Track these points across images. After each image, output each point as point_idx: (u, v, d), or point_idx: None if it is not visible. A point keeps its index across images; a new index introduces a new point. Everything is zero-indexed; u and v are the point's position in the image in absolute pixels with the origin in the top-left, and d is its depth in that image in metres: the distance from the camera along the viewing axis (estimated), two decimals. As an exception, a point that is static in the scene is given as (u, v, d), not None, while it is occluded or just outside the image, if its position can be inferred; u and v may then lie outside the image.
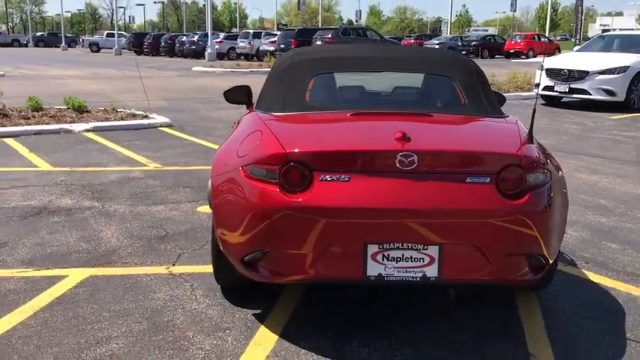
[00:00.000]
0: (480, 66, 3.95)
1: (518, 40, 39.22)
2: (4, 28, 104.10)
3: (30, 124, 9.00)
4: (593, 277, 3.94)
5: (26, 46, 65.85)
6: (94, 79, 20.66)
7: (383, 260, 2.83)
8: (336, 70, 3.87)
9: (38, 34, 74.79)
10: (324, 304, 3.47)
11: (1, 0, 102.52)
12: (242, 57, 35.95)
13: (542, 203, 2.93)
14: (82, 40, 63.23)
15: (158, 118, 9.97)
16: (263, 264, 2.96)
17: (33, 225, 4.70)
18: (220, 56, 35.63)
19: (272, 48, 31.96)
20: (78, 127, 9.03)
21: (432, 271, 2.85)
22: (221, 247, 3.15)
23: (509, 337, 3.13)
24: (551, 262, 3.08)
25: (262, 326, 3.17)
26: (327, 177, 2.81)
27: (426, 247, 2.82)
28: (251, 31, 39.01)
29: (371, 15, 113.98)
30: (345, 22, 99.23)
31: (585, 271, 4.02)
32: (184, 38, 40.93)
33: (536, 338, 3.11)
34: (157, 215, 5.00)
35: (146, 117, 10.00)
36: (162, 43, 43.30)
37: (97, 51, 52.30)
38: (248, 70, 25.72)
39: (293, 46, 30.24)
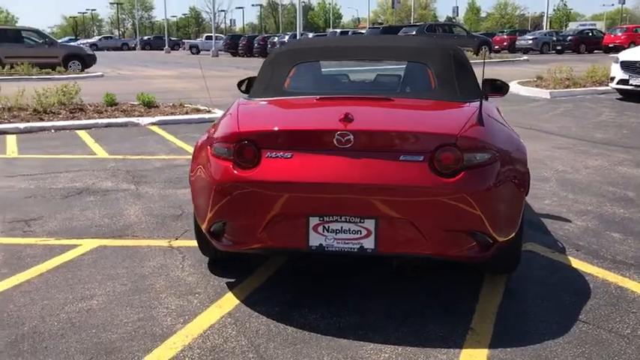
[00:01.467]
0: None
1: (619, 34, 37.09)
2: (115, 33, 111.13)
3: (102, 118, 9.84)
4: (576, 263, 3.92)
5: (134, 49, 70.11)
6: (180, 78, 21.85)
7: (323, 232, 3.05)
8: (315, 59, 4.11)
9: (145, 37, 79.33)
10: (292, 280, 3.71)
11: (113, 7, 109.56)
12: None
13: (482, 182, 3.02)
14: (183, 42, 66.47)
15: (219, 113, 10.54)
16: (225, 234, 3.26)
17: (70, 203, 5.27)
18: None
19: (358, 46, 32.23)
20: (144, 120, 9.77)
21: (369, 244, 3.03)
22: (197, 220, 3.50)
23: (459, 313, 3.23)
24: (500, 240, 3.16)
25: (229, 293, 3.47)
26: (273, 154, 3.07)
27: (362, 221, 3.01)
28: (338, 31, 39.50)
29: (469, 11, 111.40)
30: (441, 19, 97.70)
31: (571, 258, 4.01)
32: (275, 39, 42.06)
33: (484, 315, 3.20)
34: (181, 197, 5.43)
35: (209, 112, 10.60)
36: (256, 45, 44.72)
37: (197, 53, 54.79)
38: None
39: (378, 44, 30.47)
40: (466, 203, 2.98)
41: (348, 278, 3.67)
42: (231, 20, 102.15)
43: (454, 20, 74.28)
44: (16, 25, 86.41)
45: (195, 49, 55.67)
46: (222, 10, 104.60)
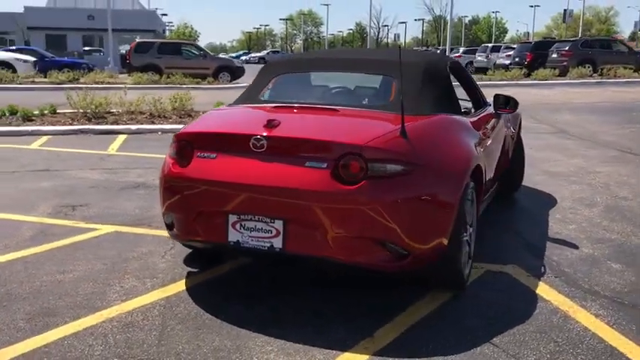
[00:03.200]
0: None
1: None
2: (288, 47, 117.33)
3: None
4: (542, 288, 3.74)
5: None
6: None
7: (240, 229, 3.29)
8: (293, 72, 4.34)
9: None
10: (249, 275, 3.97)
11: (283, 23, 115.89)
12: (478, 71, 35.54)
13: (387, 192, 3.08)
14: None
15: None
16: (173, 226, 3.63)
17: (120, 194, 5.98)
18: (458, 71, 35.70)
19: (507, 62, 31.13)
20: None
21: (277, 243, 3.21)
22: None
23: (373, 320, 3.26)
24: (417, 252, 3.17)
25: (182, 280, 3.82)
26: (202, 154, 3.38)
27: (273, 221, 3.21)
28: (489, 45, 38.32)
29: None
30: (625, 34, 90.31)
31: (542, 283, 3.82)
32: (427, 53, 41.95)
33: (396, 326, 3.21)
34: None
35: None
36: (408, 59, 44.89)
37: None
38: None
39: (528, 60, 29.15)
40: (368, 211, 3.06)
41: (299, 283, 3.85)
42: (395, 35, 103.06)
43: (638, 34, 68.42)
44: (197, 40, 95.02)
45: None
46: (385, 25, 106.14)
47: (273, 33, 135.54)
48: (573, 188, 6.36)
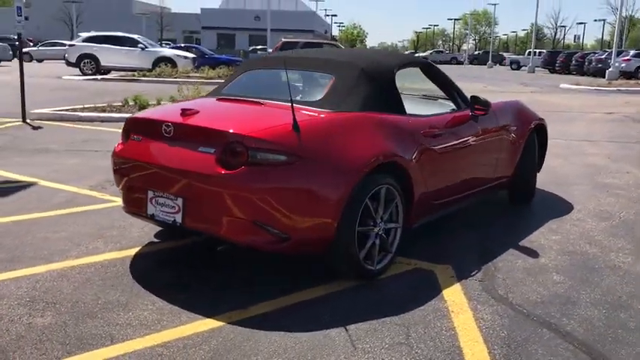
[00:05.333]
0: None
1: None
2: (462, 47, 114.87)
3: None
4: (454, 290, 3.73)
5: (462, 63, 72.11)
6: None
7: (155, 204, 3.76)
8: (258, 68, 4.69)
9: (475, 52, 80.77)
10: (197, 247, 4.43)
11: (458, 23, 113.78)
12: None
13: (264, 178, 3.36)
14: (504, 58, 65.82)
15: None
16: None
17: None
18: (627, 75, 32.82)
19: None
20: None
21: (178, 218, 3.64)
22: None
23: (266, 295, 3.56)
24: (297, 237, 3.41)
25: (138, 248, 4.38)
26: (133, 137, 3.92)
27: (176, 198, 3.63)
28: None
29: None
30: None
31: (458, 285, 3.80)
32: (594, 56, 38.96)
33: (279, 303, 3.48)
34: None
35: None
36: (573, 62, 42.07)
37: (517, 68, 53.87)
38: (613, 89, 23.48)
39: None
40: (245, 195, 3.37)
41: (234, 258, 4.24)
42: (574, 36, 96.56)
43: None
44: (365, 39, 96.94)
45: (515, 65, 54.78)
46: (562, 26, 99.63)
47: (445, 33, 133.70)
48: (608, 200, 5.94)
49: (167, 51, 27.34)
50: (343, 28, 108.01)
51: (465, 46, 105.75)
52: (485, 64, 65.62)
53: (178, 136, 3.64)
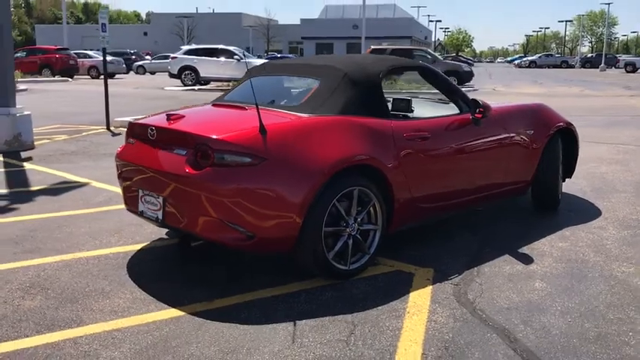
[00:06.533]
0: None
1: None
2: (582, 50, 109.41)
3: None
4: (424, 292, 3.73)
5: (573, 66, 68.61)
6: (543, 97, 21.44)
7: (144, 201, 4.07)
8: (259, 75, 4.85)
9: (589, 55, 76.47)
10: (195, 245, 4.70)
11: (571, 25, 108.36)
12: None
13: (227, 179, 3.55)
14: (617, 60, 61.80)
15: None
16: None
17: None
18: None
19: None
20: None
21: (160, 215, 3.92)
22: None
23: (235, 291, 3.76)
24: (262, 236, 3.58)
25: (147, 243, 4.72)
26: (130, 140, 4.26)
27: (158, 197, 3.91)
28: None
29: None
30: None
31: (431, 287, 3.80)
32: None
33: (245, 297, 3.67)
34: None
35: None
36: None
37: (632, 71, 50.52)
38: None
39: None
40: (209, 194, 3.58)
41: (227, 255, 4.47)
42: None
43: None
44: (471, 43, 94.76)
45: (630, 67, 51.35)
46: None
47: (560, 36, 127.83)
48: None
49: (260, 62, 28.33)
50: (449, 33, 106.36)
51: (579, 49, 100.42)
52: (598, 67, 62.08)
53: (160, 140, 3.93)
